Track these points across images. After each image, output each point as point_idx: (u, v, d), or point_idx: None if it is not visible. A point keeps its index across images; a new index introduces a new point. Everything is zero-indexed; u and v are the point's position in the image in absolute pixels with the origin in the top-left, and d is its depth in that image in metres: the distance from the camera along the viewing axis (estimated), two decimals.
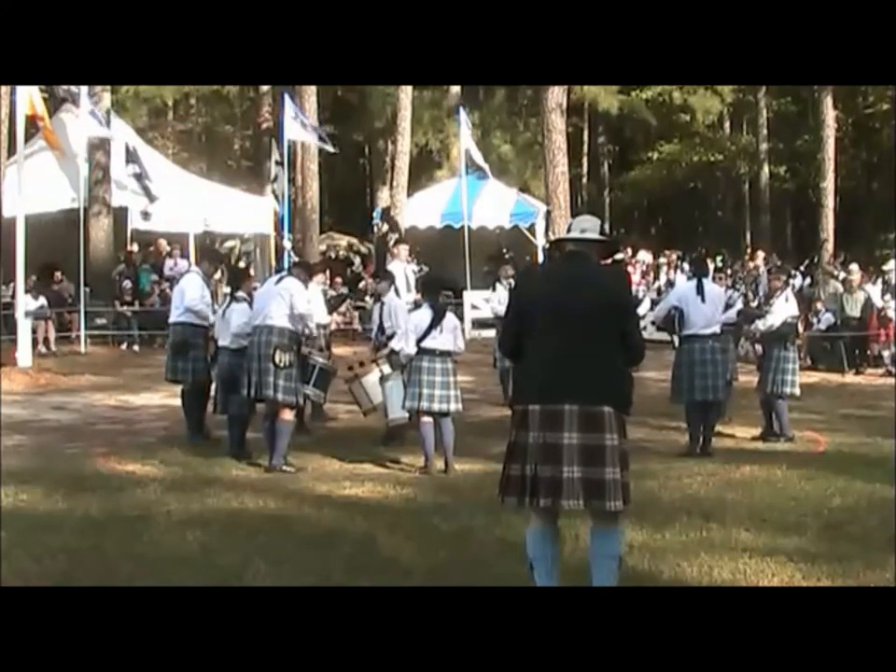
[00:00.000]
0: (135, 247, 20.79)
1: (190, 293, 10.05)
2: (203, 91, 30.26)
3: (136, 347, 18.79)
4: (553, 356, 4.50)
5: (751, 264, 22.56)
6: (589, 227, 4.77)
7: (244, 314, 9.20)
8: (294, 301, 8.79)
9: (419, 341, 8.66)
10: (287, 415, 8.79)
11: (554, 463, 4.40)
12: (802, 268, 22.78)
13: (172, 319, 10.33)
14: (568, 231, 4.83)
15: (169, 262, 20.83)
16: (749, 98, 33.61)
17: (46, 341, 17.63)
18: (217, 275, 14.50)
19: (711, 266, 15.31)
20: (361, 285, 22.34)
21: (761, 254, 23.30)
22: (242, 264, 21.57)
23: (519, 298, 4.87)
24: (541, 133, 19.96)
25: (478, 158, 22.51)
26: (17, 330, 15.92)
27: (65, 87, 19.90)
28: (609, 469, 4.41)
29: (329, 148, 20.50)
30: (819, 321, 18.02)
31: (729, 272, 23.00)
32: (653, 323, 11.77)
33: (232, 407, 9.17)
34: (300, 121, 19.29)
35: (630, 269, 20.76)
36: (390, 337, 9.84)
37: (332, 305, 12.71)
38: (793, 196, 35.77)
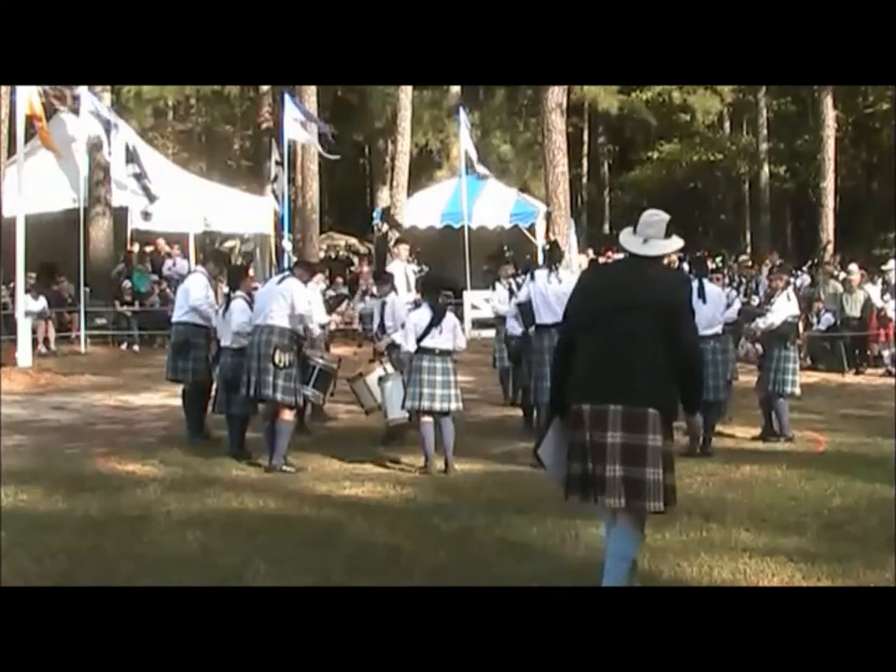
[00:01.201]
0: (136, 247, 20.80)
1: (195, 293, 10.05)
2: (203, 91, 30.24)
3: (136, 347, 18.78)
4: (602, 355, 4.53)
5: (764, 264, 22.47)
6: (654, 233, 4.68)
7: (244, 312, 9.20)
8: (294, 302, 8.79)
9: (419, 340, 8.66)
10: (287, 415, 8.78)
11: (601, 462, 4.47)
12: (804, 269, 22.75)
13: (174, 318, 10.34)
14: (634, 229, 4.74)
15: (168, 262, 20.84)
16: (749, 98, 33.62)
17: (46, 341, 17.62)
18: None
19: (711, 266, 15.30)
20: (363, 286, 22.32)
21: (775, 255, 23.24)
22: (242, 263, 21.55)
23: (575, 297, 4.90)
24: (541, 132, 19.90)
25: (474, 159, 22.50)
26: (17, 330, 15.90)
27: (54, 90, 19.83)
28: (651, 469, 4.45)
29: (328, 154, 20.45)
30: (818, 321, 18.01)
31: (726, 271, 23.01)
32: None
33: (233, 407, 9.17)
34: (300, 122, 19.26)
35: None
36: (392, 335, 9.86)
37: (332, 305, 12.71)
38: (793, 196, 35.76)
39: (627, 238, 4.74)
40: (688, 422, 4.83)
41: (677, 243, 4.80)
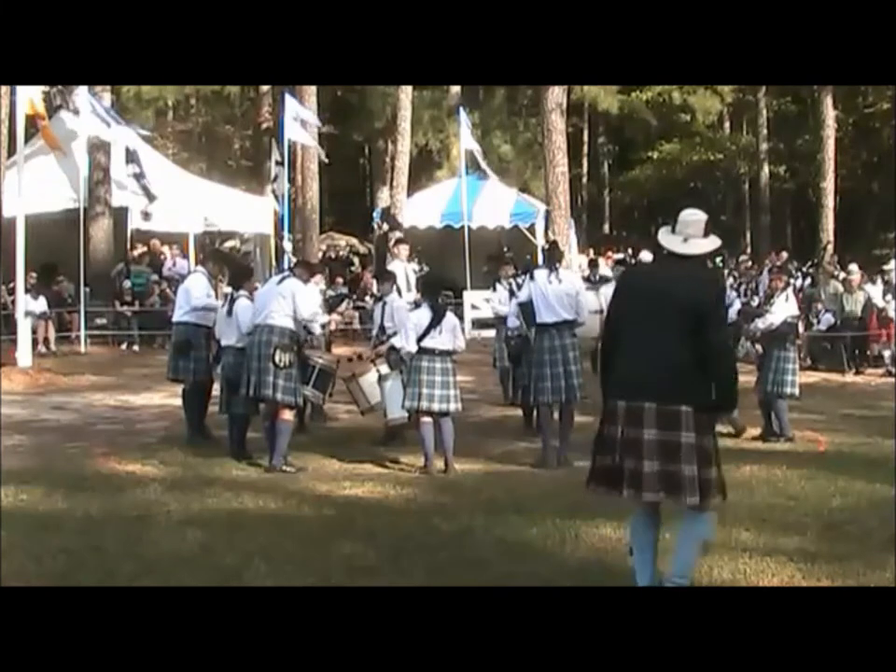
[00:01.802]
0: (138, 248, 20.82)
1: (196, 293, 10.05)
2: (203, 91, 30.24)
3: (136, 347, 18.78)
4: (638, 354, 4.62)
5: (764, 263, 22.48)
6: (693, 231, 4.75)
7: (249, 310, 9.16)
8: (297, 305, 8.79)
9: (418, 340, 8.65)
10: (287, 415, 8.79)
11: (636, 457, 4.55)
12: (804, 269, 22.74)
13: (175, 318, 10.35)
14: (673, 229, 4.79)
15: (168, 262, 20.83)
16: (749, 98, 33.59)
17: (46, 341, 17.63)
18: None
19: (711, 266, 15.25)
20: (362, 285, 22.34)
21: (785, 254, 23.29)
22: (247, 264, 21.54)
23: (616, 296, 5.01)
24: (541, 132, 19.88)
25: (480, 159, 22.60)
26: (17, 330, 15.90)
27: (59, 92, 19.84)
28: (686, 465, 4.52)
29: (322, 153, 20.46)
30: (819, 321, 18.01)
31: (726, 271, 22.96)
32: None
33: (234, 406, 9.17)
34: (300, 121, 19.28)
35: None
36: (391, 337, 9.85)
37: (332, 305, 12.70)
38: (793, 196, 35.74)
39: (667, 237, 4.80)
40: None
41: (715, 241, 4.91)
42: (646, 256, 25.97)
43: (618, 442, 4.59)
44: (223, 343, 9.51)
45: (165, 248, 21.24)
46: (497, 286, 12.52)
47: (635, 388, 4.59)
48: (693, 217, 4.83)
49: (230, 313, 9.38)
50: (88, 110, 18.47)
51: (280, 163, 20.66)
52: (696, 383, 4.56)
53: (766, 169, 32.82)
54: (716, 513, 4.81)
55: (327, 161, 20.72)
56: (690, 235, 4.74)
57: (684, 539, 4.74)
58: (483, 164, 22.87)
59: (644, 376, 4.57)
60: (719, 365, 4.64)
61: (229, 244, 24.69)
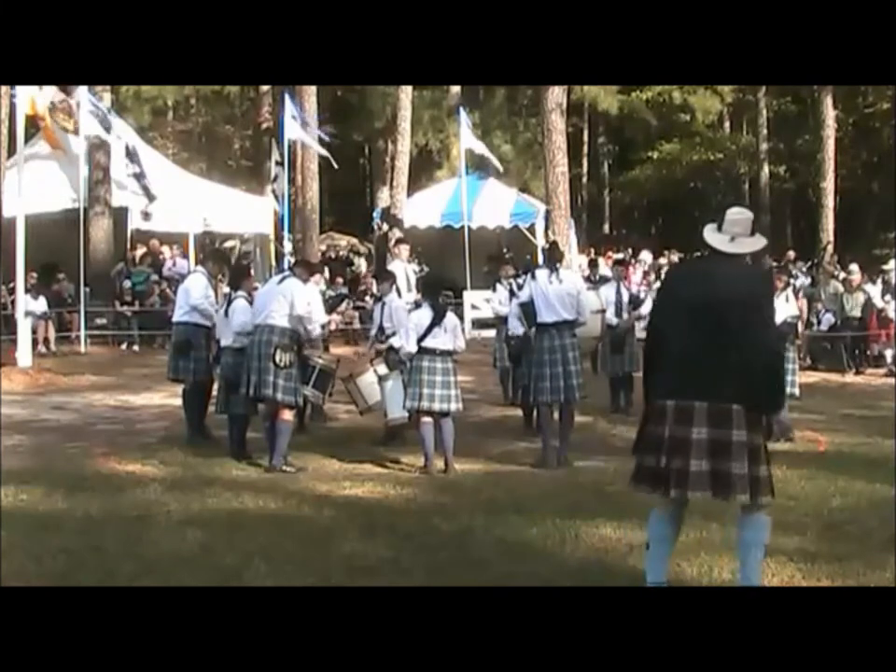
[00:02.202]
0: (139, 249, 20.83)
1: (195, 293, 10.06)
2: (203, 91, 30.24)
3: (136, 347, 18.79)
4: (688, 353, 4.60)
5: (769, 264, 22.55)
6: (740, 230, 4.74)
7: (245, 311, 9.19)
8: (294, 302, 8.80)
9: (419, 340, 8.66)
10: (287, 415, 8.79)
11: (684, 456, 4.54)
12: (804, 269, 22.78)
13: (175, 318, 10.37)
14: (720, 227, 4.77)
15: (168, 262, 20.84)
16: (749, 98, 33.58)
17: (46, 341, 17.64)
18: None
19: None
20: (362, 287, 22.33)
21: (791, 253, 23.33)
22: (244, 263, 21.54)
23: (662, 295, 5.05)
24: (541, 132, 19.88)
25: (486, 154, 22.68)
26: (17, 330, 15.91)
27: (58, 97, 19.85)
28: (736, 464, 4.52)
29: (324, 152, 20.47)
30: (819, 321, 18.02)
31: None
32: None
33: (234, 406, 9.17)
34: (300, 121, 19.29)
35: (631, 269, 20.76)
36: (389, 337, 9.86)
37: (332, 305, 12.70)
38: (793, 196, 35.74)
39: (713, 236, 4.78)
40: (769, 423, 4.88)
41: (761, 240, 4.92)
42: (646, 256, 26.06)
43: (664, 442, 4.58)
44: (222, 343, 9.52)
45: (165, 248, 21.23)
46: (497, 286, 12.52)
47: (685, 387, 4.58)
48: (741, 215, 4.81)
49: (228, 312, 9.40)
50: (87, 110, 18.46)
51: (280, 163, 20.67)
52: (747, 381, 4.54)
53: (766, 169, 32.80)
54: (769, 517, 4.77)
55: (336, 165, 20.76)
56: (737, 234, 4.72)
57: (747, 548, 4.72)
58: (493, 159, 22.95)
59: (694, 375, 4.55)
60: (766, 363, 4.62)
61: (229, 244, 24.68)
